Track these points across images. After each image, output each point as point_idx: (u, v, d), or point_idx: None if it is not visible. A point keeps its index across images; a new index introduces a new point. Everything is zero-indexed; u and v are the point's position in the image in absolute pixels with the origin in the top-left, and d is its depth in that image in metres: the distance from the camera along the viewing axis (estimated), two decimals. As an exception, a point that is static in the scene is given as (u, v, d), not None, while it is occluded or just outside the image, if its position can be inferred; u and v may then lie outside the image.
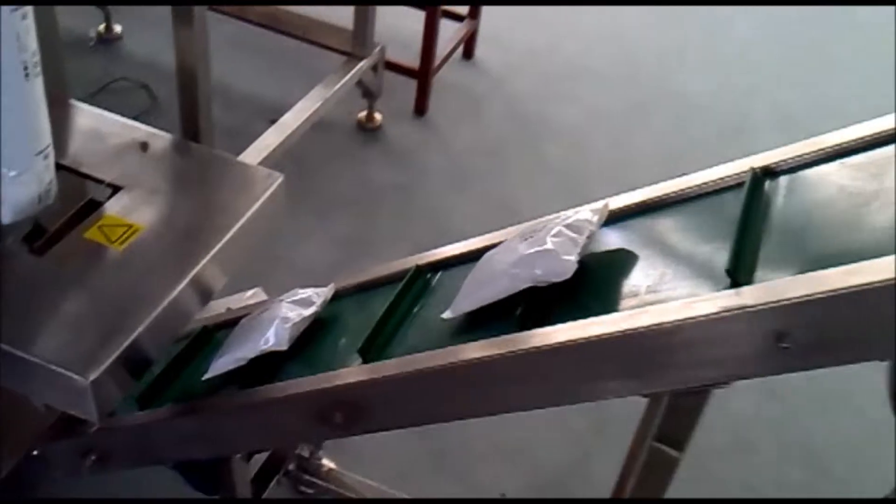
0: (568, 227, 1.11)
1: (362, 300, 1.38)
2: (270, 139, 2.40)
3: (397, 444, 2.03)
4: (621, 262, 1.11)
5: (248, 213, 1.33)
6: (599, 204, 1.18)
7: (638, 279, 1.05)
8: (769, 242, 1.01)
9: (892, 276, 0.83)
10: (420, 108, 3.11)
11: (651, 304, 0.96)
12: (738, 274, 0.93)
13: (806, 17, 4.02)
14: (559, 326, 0.99)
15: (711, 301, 0.90)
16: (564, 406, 1.05)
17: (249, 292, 1.90)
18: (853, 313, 0.87)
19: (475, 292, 1.13)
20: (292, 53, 3.10)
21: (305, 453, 1.84)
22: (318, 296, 1.36)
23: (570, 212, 1.15)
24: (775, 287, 0.89)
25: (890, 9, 3.84)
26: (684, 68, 3.61)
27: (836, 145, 1.07)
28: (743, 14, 3.99)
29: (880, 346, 0.91)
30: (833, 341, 0.89)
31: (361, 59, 2.75)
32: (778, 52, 3.81)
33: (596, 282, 1.08)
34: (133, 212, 1.29)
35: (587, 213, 1.15)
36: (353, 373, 1.14)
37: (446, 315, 1.14)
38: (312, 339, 1.31)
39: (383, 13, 3.13)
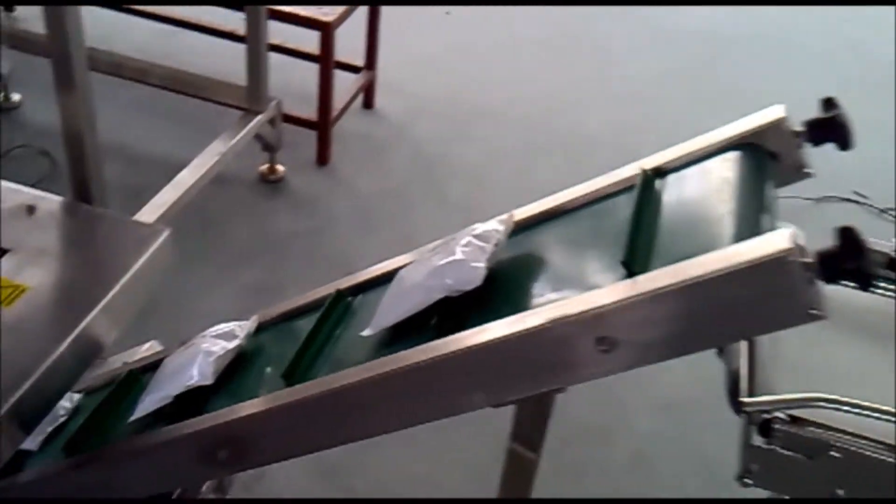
0: (476, 237, 1.21)
1: (286, 329, 1.46)
2: (167, 196, 2.47)
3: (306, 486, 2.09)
4: (529, 267, 1.22)
5: (134, 268, 1.39)
6: (506, 215, 1.29)
7: (544, 281, 1.16)
8: (661, 234, 1.16)
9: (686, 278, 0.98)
10: (322, 158, 3.21)
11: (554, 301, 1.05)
12: (634, 264, 1.05)
13: (696, 54, 4.30)
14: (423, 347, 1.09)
15: (537, 314, 1.02)
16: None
17: (145, 346, 1.95)
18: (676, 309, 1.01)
19: (392, 308, 1.21)
20: (197, 112, 3.19)
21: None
22: (241, 328, 1.43)
23: (478, 224, 1.26)
24: (592, 296, 1.01)
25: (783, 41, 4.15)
26: (580, 106, 3.81)
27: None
28: (635, 54, 4.24)
29: (702, 337, 1.05)
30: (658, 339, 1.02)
31: (258, 113, 2.85)
32: (669, 88, 4.06)
33: (506, 288, 1.18)
34: (19, 273, 1.34)
35: (494, 223, 1.26)
36: (244, 407, 1.21)
37: (366, 333, 1.21)
38: (238, 371, 1.38)
39: (281, 68, 3.25)
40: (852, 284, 1.05)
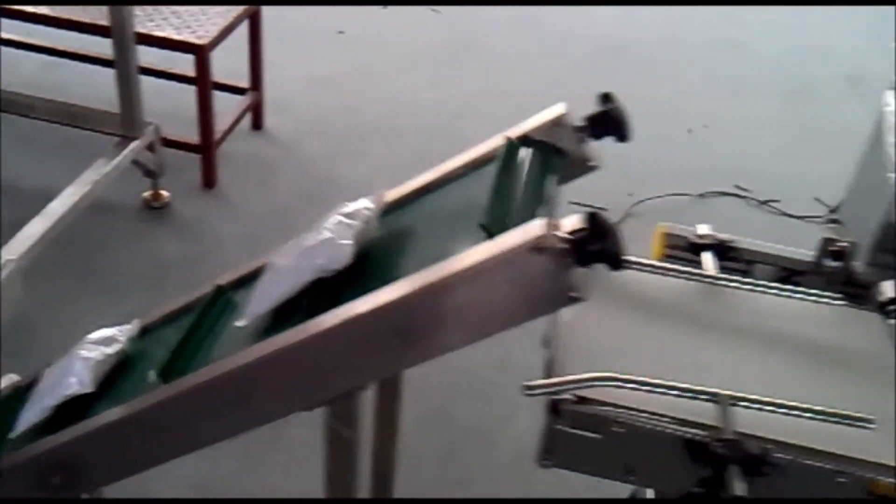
0: (345, 215, 1.23)
1: (170, 329, 1.45)
2: (36, 228, 2.47)
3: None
4: (399, 243, 1.26)
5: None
6: (375, 194, 1.32)
7: (411, 256, 1.21)
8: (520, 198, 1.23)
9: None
10: (208, 182, 3.24)
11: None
12: (491, 227, 1.11)
13: (588, 61, 4.41)
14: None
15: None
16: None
17: (3, 380, 1.94)
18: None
19: (265, 295, 1.21)
20: (82, 143, 3.18)
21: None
22: (121, 333, 1.42)
23: (348, 203, 1.28)
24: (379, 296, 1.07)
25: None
26: (472, 117, 3.89)
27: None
28: (528, 63, 4.35)
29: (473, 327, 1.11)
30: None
31: (133, 139, 2.87)
32: (560, 96, 4.16)
33: (377, 265, 1.21)
34: None
35: (363, 201, 1.28)
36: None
37: (240, 323, 1.22)
38: (121, 376, 1.38)
39: (166, 92, 3.27)
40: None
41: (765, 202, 3.50)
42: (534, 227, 1.09)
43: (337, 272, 1.17)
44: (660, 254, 1.72)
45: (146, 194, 3.13)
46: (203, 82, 3.04)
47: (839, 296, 1.54)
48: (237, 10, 3.18)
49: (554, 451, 1.34)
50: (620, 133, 1.42)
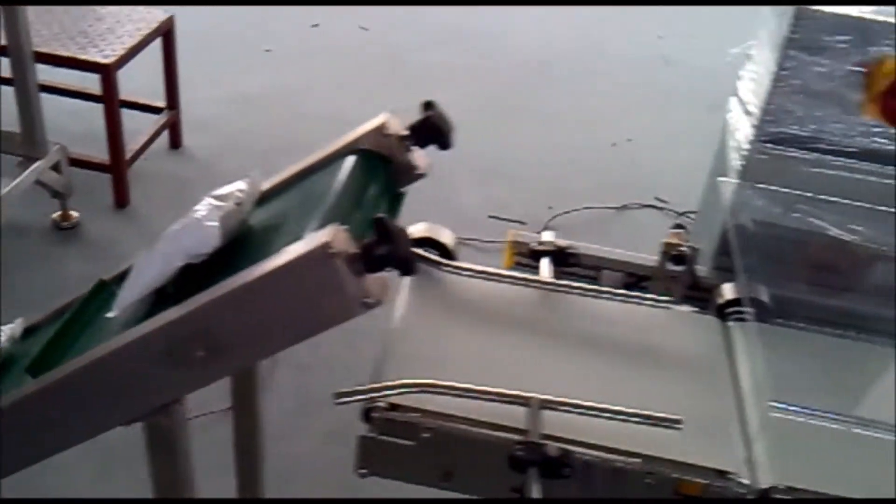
0: (216, 197, 1.20)
1: (52, 328, 1.41)
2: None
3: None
4: (266, 230, 1.25)
5: None
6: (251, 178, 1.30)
7: (273, 243, 1.19)
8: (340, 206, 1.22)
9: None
10: (120, 201, 3.24)
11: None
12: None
13: (515, 77, 4.46)
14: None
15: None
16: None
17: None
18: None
19: (134, 285, 1.19)
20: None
21: None
22: (2, 333, 1.40)
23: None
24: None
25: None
26: (396, 132, 3.92)
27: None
28: (451, 82, 4.38)
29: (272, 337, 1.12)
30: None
31: (36, 159, 2.86)
32: (485, 112, 4.20)
33: (246, 253, 1.19)
34: None
35: (238, 183, 1.25)
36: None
37: (111, 314, 1.19)
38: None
39: (78, 111, 3.28)
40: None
41: (682, 213, 3.54)
42: (322, 235, 1.10)
43: (208, 257, 1.14)
44: (510, 261, 1.74)
45: (55, 215, 3.13)
46: (110, 102, 3.05)
47: (672, 299, 1.56)
48: (147, 28, 3.20)
49: (369, 460, 1.35)
50: (442, 140, 1.45)
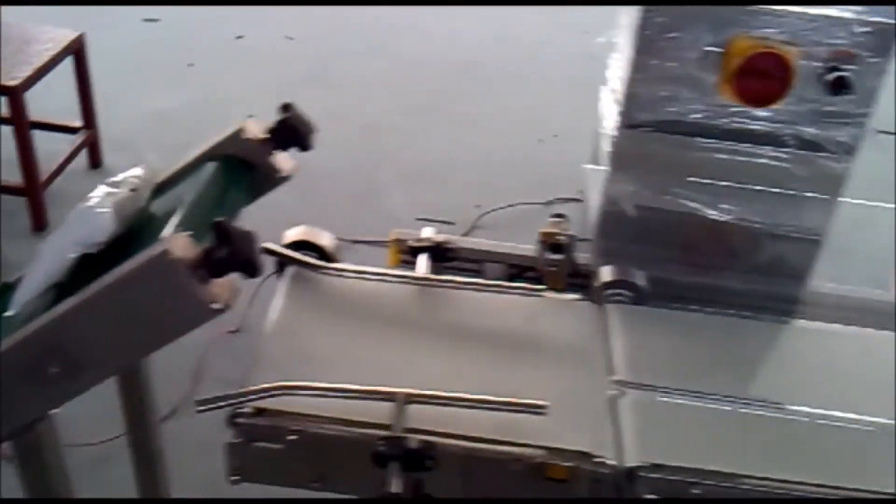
0: (110, 184, 1.17)
1: None
2: None
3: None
4: (159, 220, 1.22)
5: None
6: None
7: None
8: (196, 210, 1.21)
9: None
10: (38, 224, 3.20)
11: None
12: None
13: (446, 81, 4.47)
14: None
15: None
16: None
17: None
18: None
19: (31, 280, 1.17)
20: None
21: None
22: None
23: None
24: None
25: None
26: (323, 144, 3.88)
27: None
28: (378, 90, 4.39)
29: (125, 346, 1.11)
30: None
31: (-57, 186, 2.83)
32: (418, 117, 4.22)
33: (140, 241, 1.16)
34: None
35: (134, 170, 1.24)
36: None
37: (8, 313, 1.17)
38: None
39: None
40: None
41: (605, 203, 3.58)
42: (162, 242, 1.10)
43: (104, 246, 1.12)
44: (395, 260, 1.74)
45: (-29, 241, 3.09)
46: (20, 124, 3.02)
47: (546, 287, 1.58)
48: (55, 48, 3.16)
49: (239, 466, 1.35)
50: (302, 142, 1.45)
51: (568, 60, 4.74)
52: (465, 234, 3.56)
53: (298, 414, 1.31)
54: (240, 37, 4.66)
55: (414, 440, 1.26)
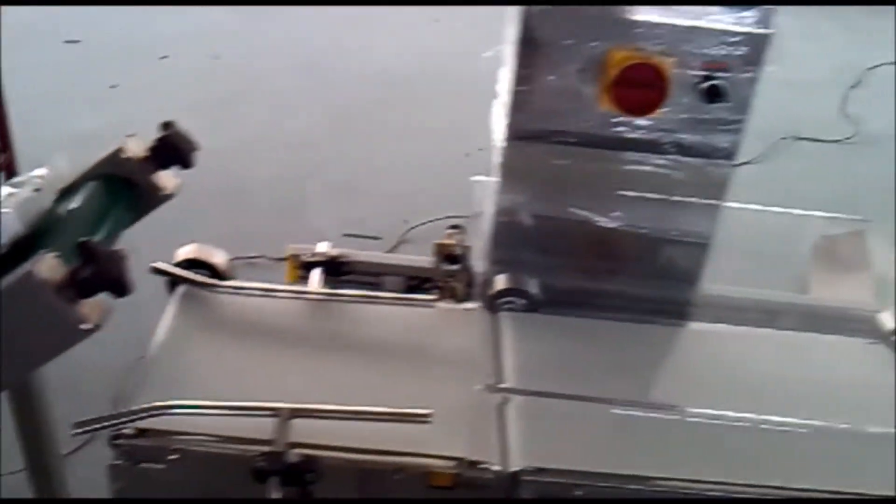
0: (12, 184, 1.20)
1: None
2: None
3: None
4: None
5: None
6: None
7: None
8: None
9: None
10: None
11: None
12: None
13: (363, 104, 4.49)
14: None
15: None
16: None
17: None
18: None
19: None
20: None
21: None
22: None
23: None
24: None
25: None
26: (243, 165, 3.84)
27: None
28: (304, 107, 4.39)
29: None
30: None
31: None
32: (339, 132, 4.22)
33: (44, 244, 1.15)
34: None
35: (38, 170, 1.26)
36: None
37: None
38: None
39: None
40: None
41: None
42: (27, 264, 1.09)
43: (9, 247, 1.12)
44: (293, 275, 1.75)
45: None
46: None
47: (437, 297, 1.60)
48: (-35, 73, 3.11)
49: (124, 487, 1.34)
50: (183, 160, 1.45)
51: (494, 73, 4.80)
52: (393, 249, 3.59)
53: (180, 433, 1.31)
54: (164, 57, 4.62)
55: (294, 455, 1.26)
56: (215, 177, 3.77)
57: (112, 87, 4.29)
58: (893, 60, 5.33)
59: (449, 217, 3.89)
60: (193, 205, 3.66)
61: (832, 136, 4.56)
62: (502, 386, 1.49)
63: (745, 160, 4.27)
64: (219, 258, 1.63)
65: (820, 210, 4.07)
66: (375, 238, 3.54)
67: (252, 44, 4.87)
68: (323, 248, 1.72)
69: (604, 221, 1.71)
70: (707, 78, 1.60)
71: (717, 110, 1.63)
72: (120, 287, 1.16)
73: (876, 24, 6.12)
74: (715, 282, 1.95)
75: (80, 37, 4.62)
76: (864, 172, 4.35)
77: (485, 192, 1.78)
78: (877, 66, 5.26)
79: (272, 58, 4.74)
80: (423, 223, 3.65)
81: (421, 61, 4.87)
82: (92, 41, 4.61)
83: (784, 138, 4.46)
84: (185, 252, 1.64)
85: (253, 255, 3.16)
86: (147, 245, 3.54)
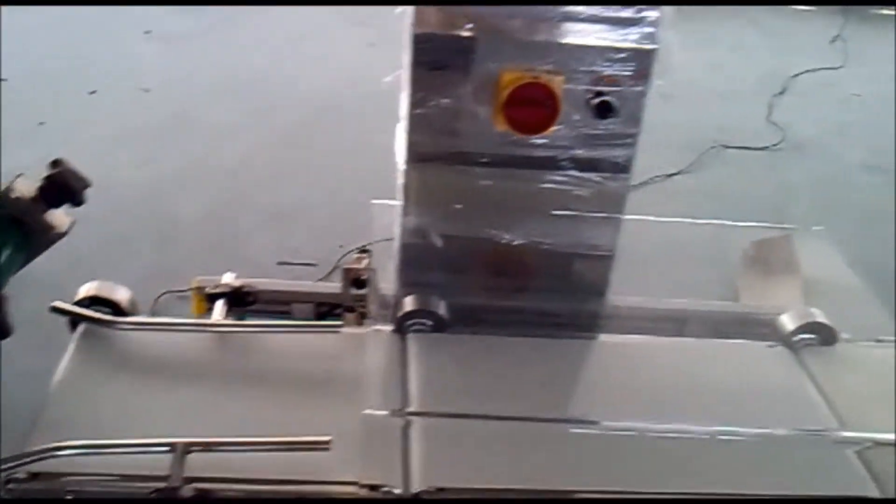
0: None
1: None
2: None
3: None
4: None
5: None
6: None
7: None
8: None
9: None
10: None
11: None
12: None
13: (297, 130, 4.49)
14: None
15: None
16: None
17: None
18: None
19: None
20: None
21: None
22: None
23: None
24: None
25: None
26: (173, 194, 3.79)
27: None
28: (236, 136, 4.38)
29: None
30: None
31: None
32: (266, 161, 4.22)
33: None
34: None
35: None
36: None
37: None
38: None
39: None
40: None
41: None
42: None
43: None
44: (201, 308, 1.74)
45: None
46: None
47: (341, 323, 1.61)
48: None
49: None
50: (74, 198, 1.44)
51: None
52: (328, 275, 3.59)
53: (73, 474, 1.29)
54: (93, 92, 4.58)
55: (189, 489, 1.25)
56: (146, 209, 3.75)
57: (40, 124, 4.24)
58: (816, 67, 5.50)
59: (385, 240, 3.93)
60: (123, 239, 3.65)
61: (760, 144, 4.70)
62: (408, 409, 1.50)
63: (675, 171, 4.48)
64: (121, 294, 1.62)
65: (749, 216, 4.18)
66: (310, 265, 3.53)
67: (182, 75, 4.83)
68: (227, 278, 1.72)
69: (507, 239, 1.73)
70: (597, 94, 1.64)
71: (610, 125, 1.67)
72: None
73: (798, 30, 6.31)
74: (641, 294, 1.99)
75: (5, 74, 4.57)
76: (791, 178, 4.47)
77: (388, 215, 1.80)
78: (800, 74, 5.43)
79: (203, 87, 4.71)
80: (359, 248, 3.66)
81: (354, 86, 4.89)
82: (17, 78, 4.53)
83: (713, 147, 4.57)
84: (86, 289, 1.62)
85: (184, 288, 3.14)
86: (73, 283, 3.47)
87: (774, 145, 4.67)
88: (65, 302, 1.60)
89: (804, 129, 4.94)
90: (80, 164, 4.05)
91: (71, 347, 1.54)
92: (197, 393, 1.48)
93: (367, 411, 1.41)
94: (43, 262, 3.34)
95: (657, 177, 4.26)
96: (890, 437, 1.49)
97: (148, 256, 3.44)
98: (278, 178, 4.08)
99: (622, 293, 1.86)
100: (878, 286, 3.65)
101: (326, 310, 1.77)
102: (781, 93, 5.23)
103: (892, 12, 6.23)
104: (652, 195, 4.23)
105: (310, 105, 4.68)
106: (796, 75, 5.42)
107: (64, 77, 4.73)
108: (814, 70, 5.46)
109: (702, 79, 5.71)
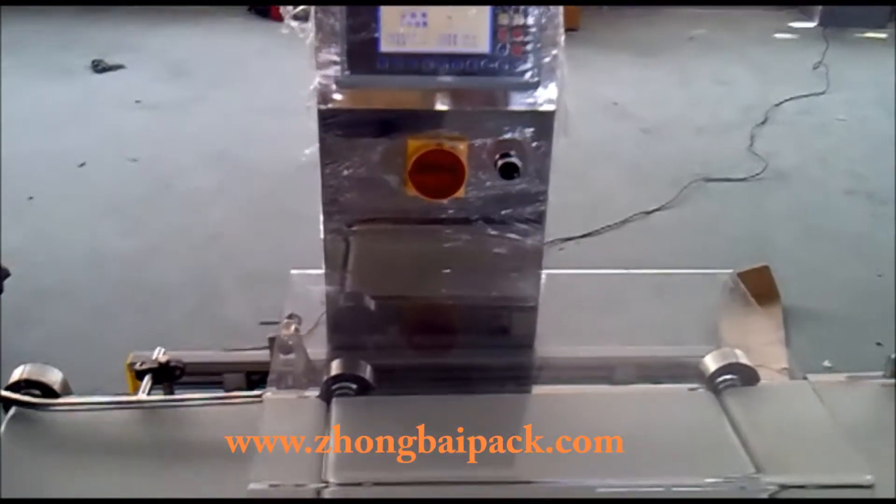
0: None
1: None
2: None
3: None
4: None
5: None
6: None
7: None
8: None
9: None
10: None
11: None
12: None
13: (275, 191, 4.60)
14: None
15: None
16: None
17: None
18: None
19: None
20: None
21: None
22: None
23: None
24: None
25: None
26: (158, 263, 3.95)
27: None
28: (219, 201, 4.48)
29: None
30: None
31: None
32: (243, 230, 4.31)
33: None
34: None
35: None
36: None
37: None
38: None
39: None
40: None
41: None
42: None
43: None
44: (134, 384, 1.79)
45: None
46: None
47: (262, 391, 1.65)
48: None
49: None
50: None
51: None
52: (311, 331, 3.64)
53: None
54: (82, 164, 4.75)
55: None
56: (128, 279, 3.86)
57: (29, 198, 4.39)
58: (797, 95, 5.54)
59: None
60: (107, 310, 3.74)
61: (741, 175, 4.73)
62: (323, 478, 1.52)
63: (656, 206, 4.50)
64: (51, 376, 1.68)
65: (729, 247, 4.17)
66: (296, 319, 3.60)
67: (168, 143, 5.01)
68: (155, 353, 1.78)
69: (429, 297, 1.78)
70: (502, 156, 1.70)
71: (518, 183, 1.72)
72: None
73: (779, 61, 6.36)
74: (570, 344, 2.02)
75: (-4, 151, 4.74)
76: (772, 207, 4.49)
77: (311, 283, 1.86)
78: (782, 103, 5.47)
79: (188, 155, 4.87)
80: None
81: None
82: (8, 154, 4.70)
83: (694, 181, 4.62)
84: (18, 373, 1.69)
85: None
86: (60, 356, 3.55)
87: (754, 175, 4.72)
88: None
89: (784, 157, 4.99)
90: (67, 236, 4.19)
91: (2, 430, 1.60)
92: (115, 472, 1.52)
93: (252, 485, 1.44)
94: (29, 332, 3.44)
95: (636, 214, 4.32)
96: (801, 480, 1.50)
97: (131, 327, 3.53)
98: (257, 239, 4.18)
99: (550, 344, 1.90)
100: (862, 310, 3.63)
101: (259, 378, 1.82)
102: (763, 122, 5.29)
103: (874, 35, 6.29)
104: (632, 233, 4.28)
105: (287, 166, 4.65)
106: (778, 104, 5.47)
107: (53, 151, 4.91)
108: (794, 98, 5.51)
109: (685, 114, 5.80)
